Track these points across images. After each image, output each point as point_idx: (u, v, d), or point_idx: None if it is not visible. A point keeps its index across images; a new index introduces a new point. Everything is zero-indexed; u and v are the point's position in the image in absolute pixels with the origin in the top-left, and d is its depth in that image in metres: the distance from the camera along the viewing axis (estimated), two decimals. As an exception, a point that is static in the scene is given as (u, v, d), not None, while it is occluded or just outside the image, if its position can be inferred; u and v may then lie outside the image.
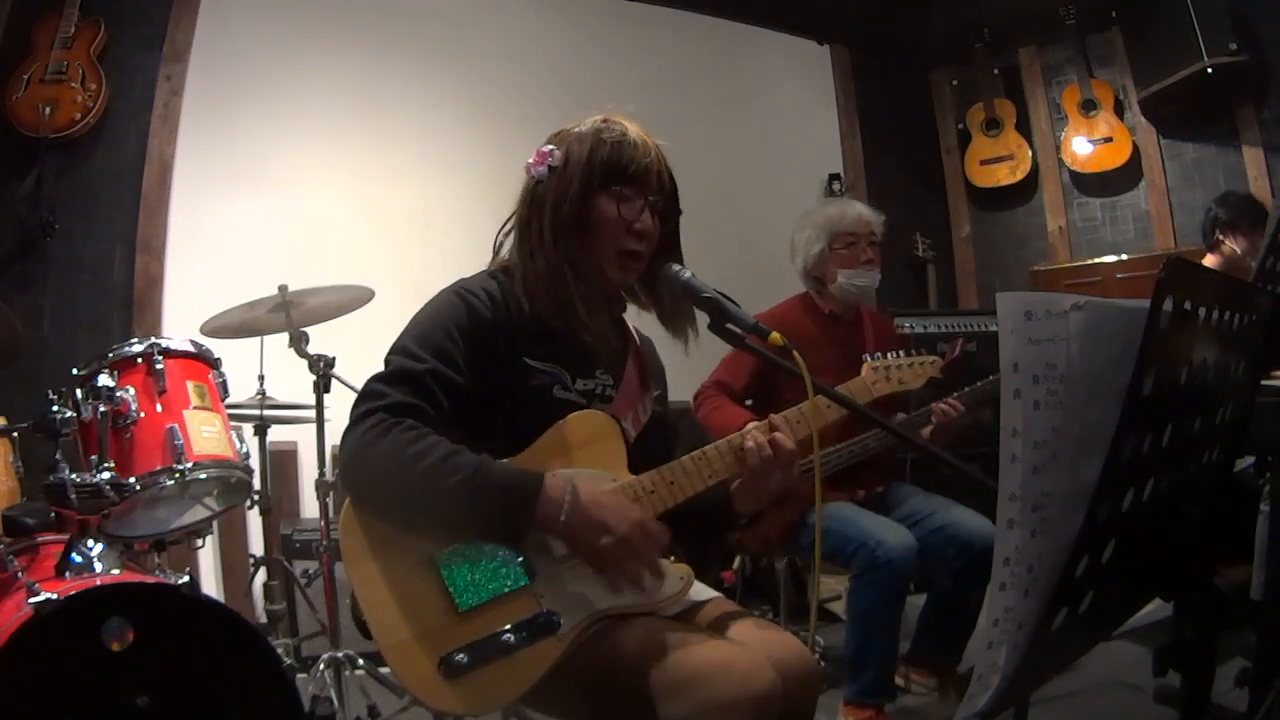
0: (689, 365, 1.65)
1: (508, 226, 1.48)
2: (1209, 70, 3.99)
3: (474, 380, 1.32)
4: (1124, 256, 4.47)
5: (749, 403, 2.63)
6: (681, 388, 2.56)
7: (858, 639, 2.27)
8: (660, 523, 1.31)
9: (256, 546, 3.21)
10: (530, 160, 1.43)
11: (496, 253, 1.50)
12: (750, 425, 1.41)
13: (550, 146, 1.42)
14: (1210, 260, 3.31)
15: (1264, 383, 1.34)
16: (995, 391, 2.34)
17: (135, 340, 2.16)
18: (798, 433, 1.43)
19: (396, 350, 1.32)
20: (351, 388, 2.07)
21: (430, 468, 1.20)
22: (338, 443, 1.31)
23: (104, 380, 1.97)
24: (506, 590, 1.24)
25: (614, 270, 1.41)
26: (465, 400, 1.30)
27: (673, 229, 1.48)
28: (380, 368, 1.31)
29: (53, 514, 1.99)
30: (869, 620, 2.26)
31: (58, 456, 1.80)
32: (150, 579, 1.71)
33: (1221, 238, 3.26)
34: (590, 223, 1.39)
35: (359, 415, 1.25)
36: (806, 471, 2.28)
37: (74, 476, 1.79)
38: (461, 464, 1.22)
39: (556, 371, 1.38)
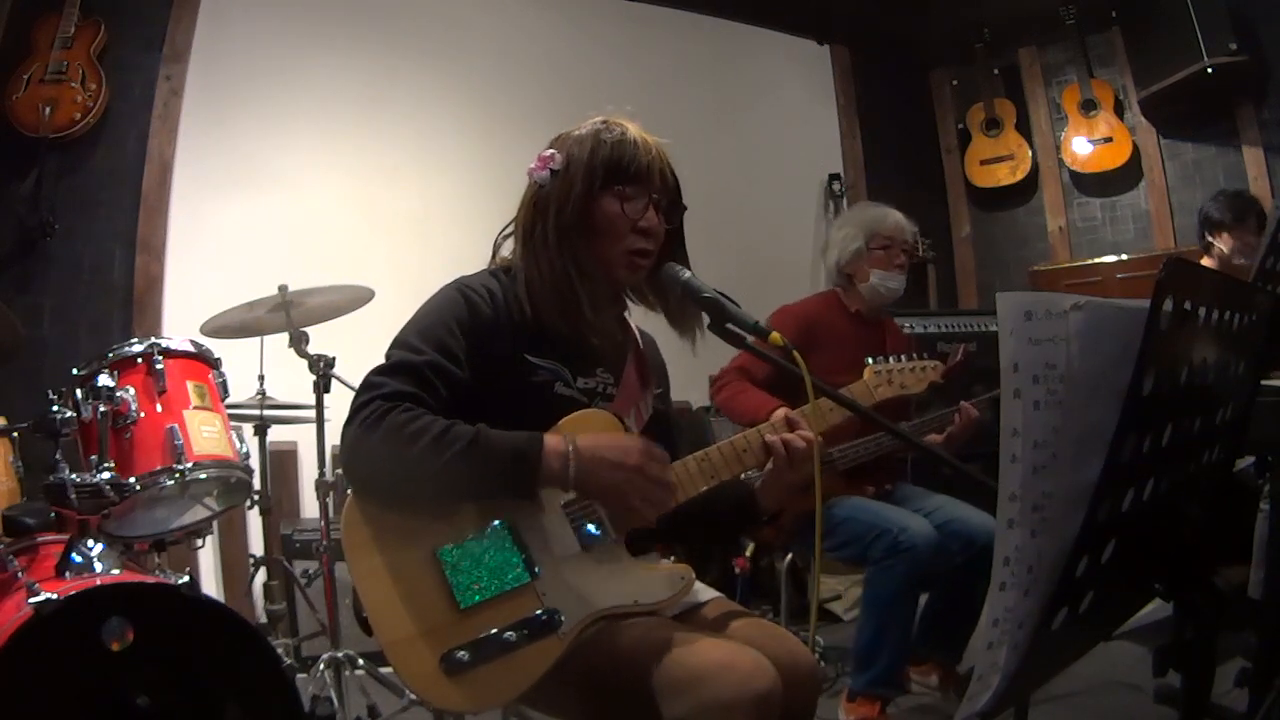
0: (691, 364, 1.65)
1: (508, 230, 1.48)
2: (1209, 70, 3.99)
3: (475, 376, 1.32)
4: (1124, 256, 4.48)
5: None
6: (683, 388, 2.56)
7: (872, 628, 2.26)
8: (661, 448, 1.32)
9: (256, 546, 3.21)
10: (531, 165, 1.43)
11: (495, 253, 1.50)
12: (782, 412, 1.42)
13: (551, 151, 1.42)
14: (1206, 262, 3.30)
15: (1264, 383, 1.34)
16: None
17: (135, 340, 2.16)
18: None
19: (397, 344, 1.32)
20: (351, 387, 2.05)
21: (429, 443, 1.20)
22: (338, 442, 1.31)
23: (104, 380, 1.97)
24: (508, 587, 1.24)
25: (623, 270, 1.41)
26: (465, 396, 1.30)
27: (677, 227, 1.48)
28: (379, 363, 1.31)
29: (53, 514, 1.99)
30: (886, 608, 2.25)
31: (58, 456, 1.80)
32: (150, 579, 1.71)
33: (1211, 239, 3.24)
34: (595, 224, 1.39)
35: (357, 406, 1.26)
36: (828, 463, 2.29)
37: (74, 476, 1.79)
38: (460, 434, 1.22)
39: (557, 369, 1.38)
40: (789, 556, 2.83)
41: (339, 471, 2.52)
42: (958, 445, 2.43)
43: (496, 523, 1.27)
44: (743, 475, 1.46)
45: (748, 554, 3.35)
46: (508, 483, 1.25)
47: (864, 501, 2.41)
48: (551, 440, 1.26)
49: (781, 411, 1.43)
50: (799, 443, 1.39)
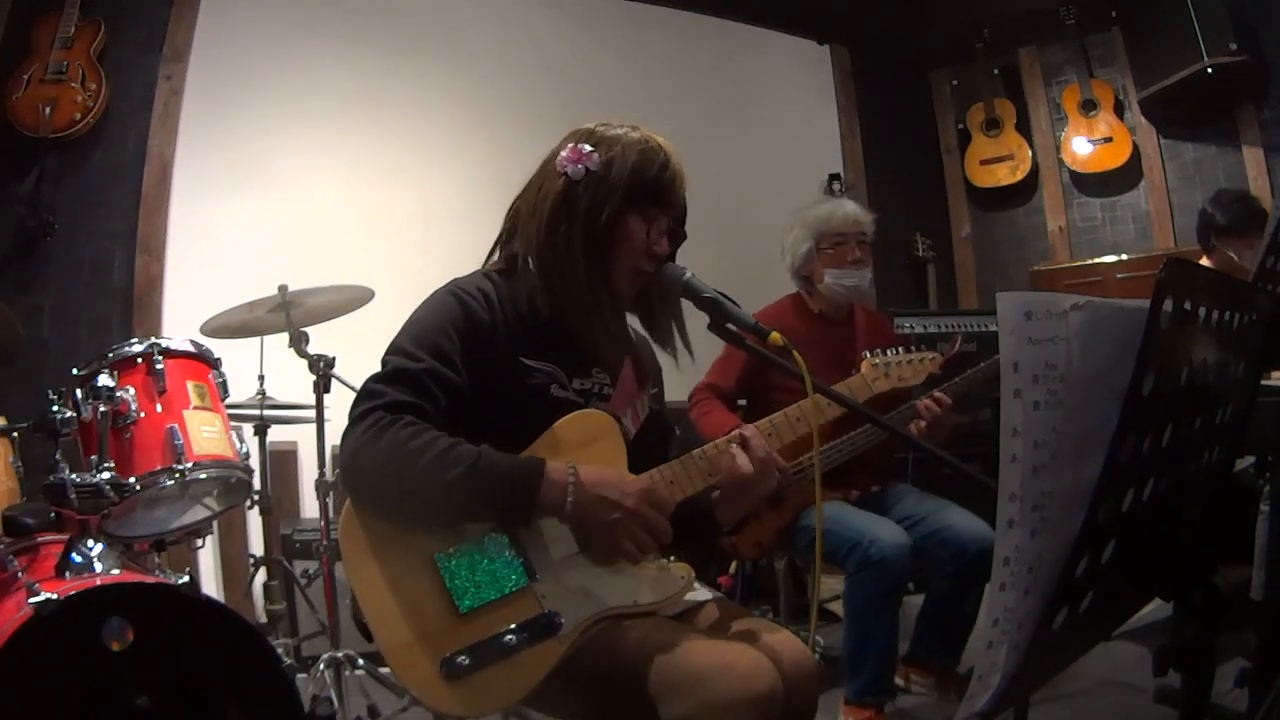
0: (689, 366, 1.65)
1: (518, 206, 1.47)
2: (1209, 70, 3.99)
3: (471, 380, 1.32)
4: (1124, 256, 4.48)
5: (742, 403, 2.62)
6: (680, 387, 2.56)
7: (855, 638, 2.27)
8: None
9: (256, 546, 3.21)
10: (565, 154, 1.39)
11: (498, 253, 1.50)
12: (735, 431, 1.42)
13: (590, 149, 1.39)
14: (1206, 262, 3.27)
15: (1264, 383, 1.34)
16: (981, 382, 2.32)
17: (135, 340, 2.16)
18: (787, 436, 1.43)
19: (393, 350, 1.32)
20: (351, 388, 2.07)
21: (431, 461, 1.20)
22: (338, 443, 1.31)
23: (104, 380, 1.97)
24: (507, 591, 1.24)
25: (624, 284, 1.42)
26: (463, 400, 1.30)
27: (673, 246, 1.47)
28: (379, 368, 1.31)
29: (53, 514, 1.99)
30: (865, 619, 2.26)
31: (58, 456, 1.80)
32: (150, 579, 1.71)
33: (1215, 244, 3.20)
34: (615, 236, 1.38)
35: (357, 415, 1.25)
36: (798, 474, 2.27)
37: (74, 476, 1.79)
38: (462, 455, 1.22)
39: (553, 371, 1.38)
40: (788, 556, 2.83)
41: (339, 472, 2.52)
42: (942, 434, 2.33)
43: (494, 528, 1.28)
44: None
45: (731, 571, 3.36)
46: (504, 509, 1.26)
47: (838, 509, 2.36)
48: (553, 470, 1.25)
49: (737, 432, 1.41)
50: (744, 469, 1.35)
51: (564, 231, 1.37)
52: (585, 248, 1.36)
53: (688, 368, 1.53)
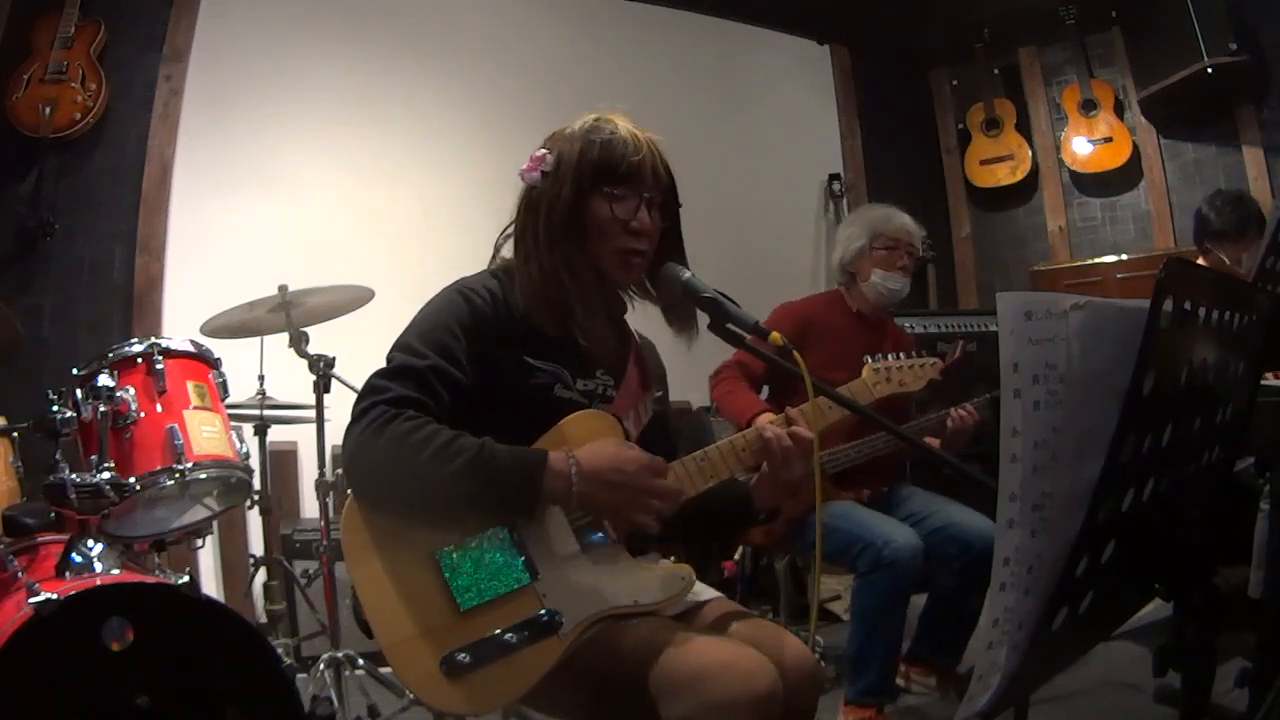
0: (691, 364, 1.65)
1: (508, 231, 1.48)
2: (1209, 70, 3.99)
3: (476, 378, 1.32)
4: (1124, 256, 4.48)
5: (765, 389, 2.63)
6: (683, 387, 2.57)
7: (861, 638, 2.27)
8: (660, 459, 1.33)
9: (256, 546, 3.21)
10: (524, 166, 1.43)
11: (496, 254, 1.51)
12: (766, 418, 1.42)
13: (543, 151, 1.42)
14: (1203, 263, 3.26)
15: (1264, 383, 1.34)
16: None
17: (135, 340, 2.16)
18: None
19: (399, 347, 1.32)
20: (351, 388, 2.07)
21: (434, 454, 1.21)
22: (338, 443, 1.31)
23: (104, 380, 1.97)
24: (509, 589, 1.24)
25: (616, 270, 1.41)
26: (467, 398, 1.31)
27: (674, 223, 1.47)
28: (381, 366, 1.31)
29: (53, 514, 1.99)
30: (874, 620, 2.26)
31: (58, 456, 1.80)
32: (150, 579, 1.71)
33: (1210, 247, 3.18)
34: (586, 226, 1.39)
35: (361, 410, 1.26)
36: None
37: (74, 476, 1.79)
38: (464, 447, 1.23)
39: (557, 371, 1.38)
40: (788, 556, 2.83)
41: (339, 471, 2.52)
42: (960, 445, 2.42)
43: (496, 524, 1.28)
44: (739, 477, 1.46)
45: (736, 558, 3.36)
46: (508, 500, 1.26)
47: (852, 509, 2.38)
48: (555, 459, 1.26)
49: (772, 415, 1.43)
50: (803, 432, 1.38)
51: (530, 235, 1.40)
52: (553, 246, 1.37)
53: (694, 369, 1.53)
